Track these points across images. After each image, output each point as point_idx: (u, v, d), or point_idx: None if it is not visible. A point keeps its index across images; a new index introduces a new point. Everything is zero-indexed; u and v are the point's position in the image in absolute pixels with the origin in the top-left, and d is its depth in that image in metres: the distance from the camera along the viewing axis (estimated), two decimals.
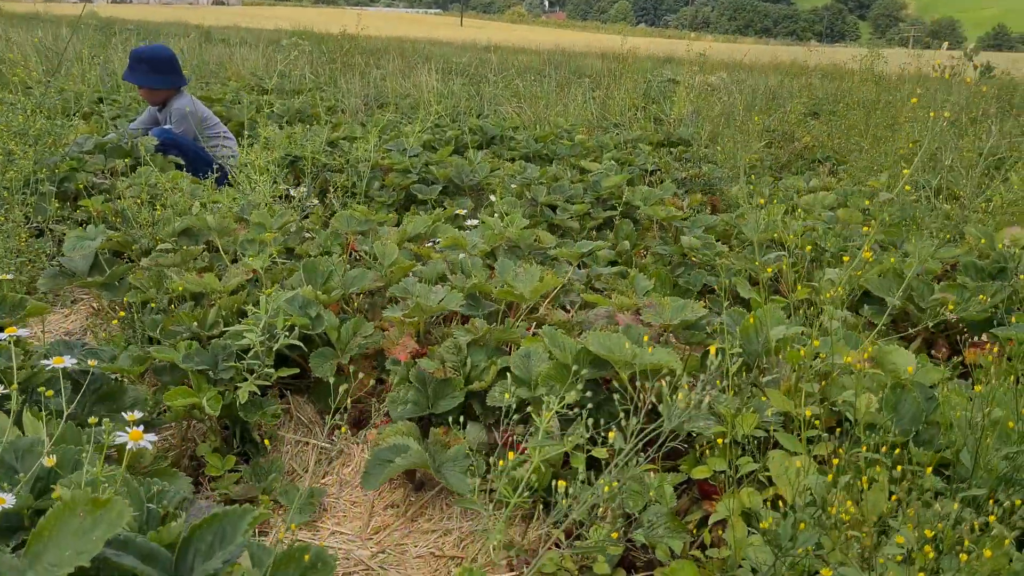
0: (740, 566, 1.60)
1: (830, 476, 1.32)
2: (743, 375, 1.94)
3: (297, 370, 2.32)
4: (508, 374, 2.12)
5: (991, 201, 4.00)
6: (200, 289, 2.61)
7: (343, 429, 2.31)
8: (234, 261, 3.04)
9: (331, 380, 2.32)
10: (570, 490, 1.92)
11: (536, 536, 1.89)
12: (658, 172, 5.27)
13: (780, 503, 1.53)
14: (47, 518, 1.01)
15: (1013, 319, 2.40)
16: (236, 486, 2.08)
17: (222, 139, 5.03)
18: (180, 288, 2.60)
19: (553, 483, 1.92)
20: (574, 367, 2.06)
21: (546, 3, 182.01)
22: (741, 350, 2.09)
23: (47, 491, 1.42)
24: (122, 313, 2.62)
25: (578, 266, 3.14)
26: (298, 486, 2.12)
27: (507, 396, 1.58)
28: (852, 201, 4.12)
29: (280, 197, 3.96)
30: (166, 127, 4.84)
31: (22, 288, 3.06)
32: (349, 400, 2.38)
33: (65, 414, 1.39)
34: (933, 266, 3.00)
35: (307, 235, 3.35)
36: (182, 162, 4.51)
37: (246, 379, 2.17)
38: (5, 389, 1.82)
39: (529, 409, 1.61)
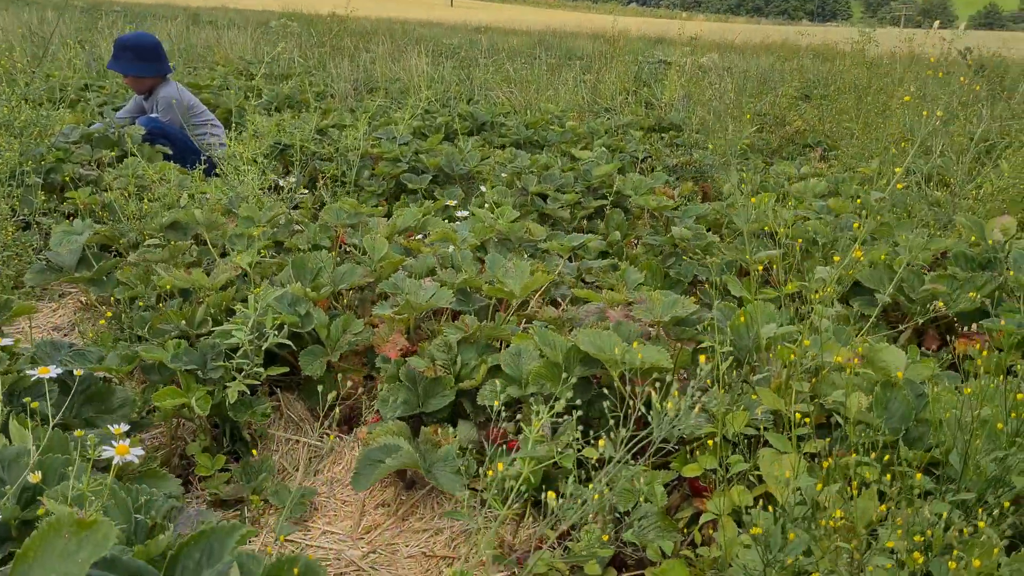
0: (731, 565, 1.61)
1: (819, 485, 1.32)
2: (733, 373, 1.94)
3: (287, 369, 2.30)
4: (498, 372, 2.11)
5: (981, 188, 4.00)
6: (188, 285, 2.60)
7: (331, 437, 2.30)
8: (223, 255, 3.02)
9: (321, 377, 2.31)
10: (561, 491, 1.92)
11: (527, 536, 1.89)
12: (649, 159, 5.26)
13: (770, 508, 1.54)
14: (32, 539, 1.00)
15: (1003, 320, 2.40)
16: (226, 486, 2.08)
17: (209, 127, 4.98)
18: (168, 285, 2.58)
19: (544, 485, 1.93)
20: (565, 366, 2.06)
21: None
22: (732, 347, 2.09)
23: (34, 501, 1.41)
24: (109, 313, 2.60)
25: (569, 258, 3.13)
26: (289, 486, 2.12)
27: (497, 397, 1.57)
28: (843, 189, 4.12)
29: (269, 188, 3.93)
30: (153, 116, 4.80)
31: (9, 282, 3.04)
32: (339, 398, 2.37)
33: (51, 425, 1.38)
34: (923, 256, 3.00)
35: (296, 227, 3.33)
36: (169, 151, 4.47)
37: (235, 378, 2.16)
38: None
39: (519, 417, 1.60)
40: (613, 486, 1.35)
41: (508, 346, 2.21)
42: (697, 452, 1.87)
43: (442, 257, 2.85)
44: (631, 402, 1.37)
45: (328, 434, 2.32)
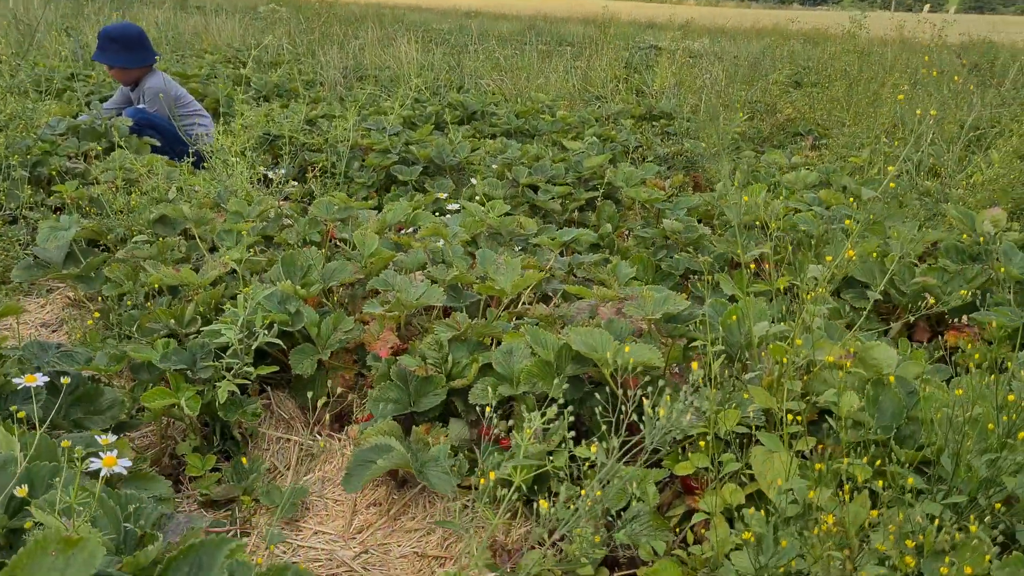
0: (723, 565, 1.61)
1: (812, 493, 1.32)
2: (725, 372, 1.94)
3: (277, 368, 2.29)
4: (490, 371, 2.10)
5: (971, 177, 4.00)
6: (177, 283, 2.58)
7: (322, 438, 2.30)
8: (212, 250, 3.00)
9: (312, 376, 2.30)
10: (553, 489, 1.92)
11: (519, 535, 1.89)
12: (640, 148, 5.24)
13: (762, 508, 1.54)
14: (19, 557, 0.99)
15: (993, 320, 2.40)
16: (217, 486, 2.06)
17: (197, 118, 4.94)
18: (157, 283, 2.56)
19: (536, 486, 1.93)
20: (556, 364, 2.05)
21: None
22: (724, 345, 2.08)
23: (22, 510, 1.40)
24: (96, 314, 2.58)
25: (560, 252, 3.11)
26: (280, 486, 2.11)
27: (490, 404, 1.57)
28: (834, 179, 4.11)
29: (258, 180, 3.90)
30: (140, 107, 4.75)
31: None
32: (330, 397, 2.36)
33: (38, 433, 1.37)
34: (914, 248, 3.00)
35: (286, 221, 3.31)
36: (158, 143, 4.43)
37: (225, 377, 2.14)
38: None
39: (511, 421, 1.59)
40: (606, 493, 1.35)
41: (500, 343, 2.21)
42: (689, 450, 1.87)
43: (433, 252, 2.84)
44: (623, 407, 1.36)
45: (319, 433, 2.31)
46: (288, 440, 2.31)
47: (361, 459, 1.94)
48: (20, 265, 2.89)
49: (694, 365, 1.35)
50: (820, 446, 1.64)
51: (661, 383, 1.44)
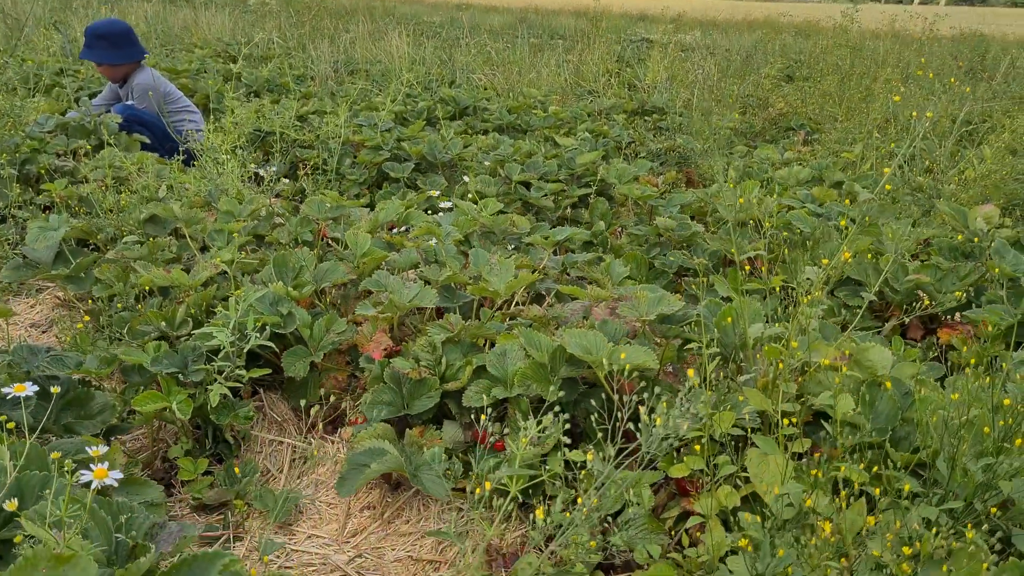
0: (718, 569, 1.61)
1: (808, 501, 1.31)
2: (720, 374, 1.93)
3: (269, 371, 2.27)
4: (484, 373, 2.09)
5: (964, 173, 4.01)
6: (168, 284, 2.56)
7: (315, 442, 2.28)
8: (203, 249, 2.98)
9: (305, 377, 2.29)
10: (548, 492, 1.91)
11: (514, 539, 1.88)
12: (633, 144, 5.23)
13: (757, 512, 1.53)
14: (8, 573, 0.98)
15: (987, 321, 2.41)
16: (210, 490, 2.05)
17: (186, 113, 4.91)
18: (147, 285, 2.54)
19: (531, 490, 1.92)
20: (551, 366, 2.04)
21: None
22: (718, 346, 2.08)
23: (12, 520, 1.38)
24: (87, 317, 2.56)
25: (553, 251, 3.10)
26: (273, 489, 2.09)
27: (485, 410, 1.56)
28: (827, 175, 4.11)
29: (249, 178, 3.88)
30: (129, 103, 4.72)
31: None
32: (322, 399, 2.35)
33: (28, 442, 1.35)
34: (907, 245, 3.00)
35: (278, 220, 3.29)
36: (147, 140, 4.40)
37: (216, 380, 2.13)
38: None
39: (507, 425, 1.58)
40: (603, 503, 1.34)
41: (493, 345, 2.19)
42: (684, 453, 1.86)
43: (425, 251, 2.82)
44: (619, 413, 1.35)
45: (312, 436, 2.30)
46: (281, 443, 2.30)
47: (355, 463, 1.93)
48: (9, 265, 2.87)
49: (690, 372, 1.34)
50: (817, 454, 1.63)
51: (657, 389, 1.43)
